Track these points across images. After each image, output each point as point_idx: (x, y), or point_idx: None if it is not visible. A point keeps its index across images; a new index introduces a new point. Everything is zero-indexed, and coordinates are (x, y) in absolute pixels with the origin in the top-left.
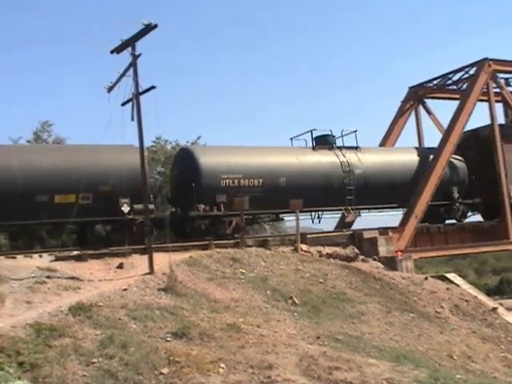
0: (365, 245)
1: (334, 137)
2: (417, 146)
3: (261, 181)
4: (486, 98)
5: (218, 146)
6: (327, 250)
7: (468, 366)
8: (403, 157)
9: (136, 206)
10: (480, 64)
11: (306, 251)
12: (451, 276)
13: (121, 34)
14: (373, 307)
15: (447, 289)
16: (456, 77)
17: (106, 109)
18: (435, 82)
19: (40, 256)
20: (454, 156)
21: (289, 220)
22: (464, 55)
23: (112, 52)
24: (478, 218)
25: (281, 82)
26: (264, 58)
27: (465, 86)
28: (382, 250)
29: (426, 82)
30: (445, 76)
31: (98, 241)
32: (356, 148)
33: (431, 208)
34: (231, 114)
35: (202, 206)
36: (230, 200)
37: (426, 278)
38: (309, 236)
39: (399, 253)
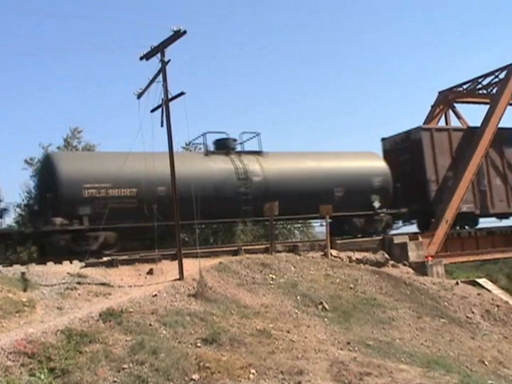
0: (395, 250)
1: (235, 141)
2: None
3: (134, 190)
4: None
5: (88, 152)
6: (357, 255)
7: (500, 372)
8: (318, 163)
9: None
10: (510, 67)
11: (335, 256)
12: (482, 281)
13: (152, 41)
14: (403, 312)
15: (478, 294)
16: (486, 81)
17: (136, 115)
18: (465, 86)
19: (70, 262)
20: (376, 161)
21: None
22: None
23: (141, 58)
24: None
25: (314, 89)
26: (298, 64)
27: (495, 90)
28: (413, 255)
29: (456, 86)
30: (474, 80)
31: None
32: (258, 153)
33: (347, 219)
34: (264, 120)
35: (58, 220)
36: (96, 212)
37: (457, 283)
38: (339, 241)
39: (429, 257)
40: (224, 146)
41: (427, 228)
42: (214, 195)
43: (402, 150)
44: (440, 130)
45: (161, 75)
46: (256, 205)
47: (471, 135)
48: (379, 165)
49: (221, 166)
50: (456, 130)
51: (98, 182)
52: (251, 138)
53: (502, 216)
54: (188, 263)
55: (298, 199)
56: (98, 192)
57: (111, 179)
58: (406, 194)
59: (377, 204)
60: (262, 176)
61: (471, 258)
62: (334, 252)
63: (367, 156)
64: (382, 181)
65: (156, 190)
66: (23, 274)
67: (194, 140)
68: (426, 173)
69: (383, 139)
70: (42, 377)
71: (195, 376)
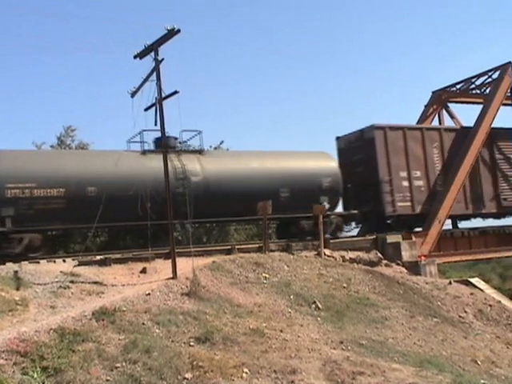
0: (388, 249)
1: (176, 139)
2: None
3: (62, 191)
4: (510, 102)
5: (30, 150)
6: (350, 254)
7: (492, 371)
8: (263, 162)
9: None
10: (503, 68)
11: (329, 256)
12: (475, 281)
13: (150, 40)
14: (396, 312)
15: (471, 293)
16: (479, 81)
17: (130, 114)
18: (458, 86)
19: (63, 261)
20: (326, 161)
21: None
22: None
23: (135, 57)
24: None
25: (309, 88)
26: (291, 64)
27: (488, 90)
28: (406, 255)
29: (449, 86)
30: (468, 80)
31: None
32: (199, 152)
33: (294, 221)
34: (259, 120)
35: None
36: (19, 213)
37: (450, 283)
38: (332, 241)
39: (422, 257)
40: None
41: (382, 230)
42: (149, 196)
43: (356, 149)
44: (394, 128)
45: (154, 74)
46: (195, 206)
47: (429, 135)
48: (329, 165)
49: (158, 165)
50: (411, 128)
51: (22, 181)
52: (193, 137)
53: (459, 218)
54: (181, 262)
55: (241, 200)
56: (22, 192)
57: (36, 179)
58: (359, 194)
59: (326, 205)
60: (202, 176)
61: (464, 258)
62: (327, 251)
63: (317, 156)
64: (331, 181)
65: (86, 191)
66: (16, 272)
67: (132, 138)
68: (378, 173)
69: (338, 138)
70: (35, 376)
71: (188, 375)
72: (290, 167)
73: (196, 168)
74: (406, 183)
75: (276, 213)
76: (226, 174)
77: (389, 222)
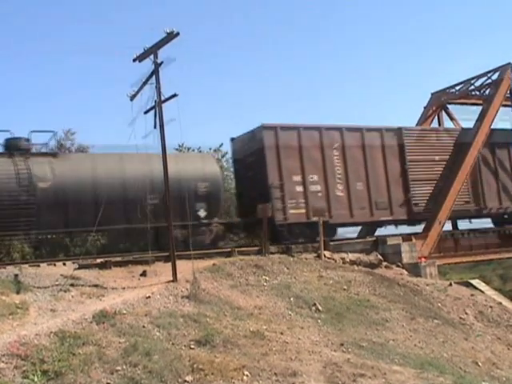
0: (388, 251)
1: (27, 141)
2: None
3: None
4: (510, 103)
5: None
6: (350, 256)
7: (493, 373)
8: (128, 166)
9: None
10: (503, 69)
11: (329, 258)
12: (475, 282)
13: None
14: (397, 314)
15: (471, 295)
16: (479, 82)
17: (130, 117)
18: (458, 87)
19: (64, 264)
20: (205, 164)
21: None
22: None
23: (134, 60)
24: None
25: (313, 89)
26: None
27: (487, 91)
28: (406, 257)
29: (449, 87)
30: (467, 81)
31: None
32: (53, 155)
33: (162, 230)
34: (255, 122)
35: None
36: None
37: (450, 285)
38: (332, 243)
39: (422, 258)
40: (13, 147)
41: (274, 240)
42: None
43: (248, 151)
44: (287, 128)
45: (154, 77)
46: (42, 215)
47: (328, 135)
48: (208, 168)
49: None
50: (307, 128)
51: None
52: (50, 139)
53: (365, 225)
54: (181, 265)
55: (98, 208)
56: None
57: None
58: (250, 201)
59: (202, 213)
60: (53, 182)
61: (464, 259)
62: (327, 253)
63: (195, 158)
64: (209, 186)
65: None
66: (16, 276)
67: None
68: (267, 177)
69: (232, 139)
70: (36, 379)
71: (189, 378)
72: (160, 171)
73: (45, 173)
74: (300, 188)
75: (144, 222)
76: (85, 179)
77: (281, 230)
